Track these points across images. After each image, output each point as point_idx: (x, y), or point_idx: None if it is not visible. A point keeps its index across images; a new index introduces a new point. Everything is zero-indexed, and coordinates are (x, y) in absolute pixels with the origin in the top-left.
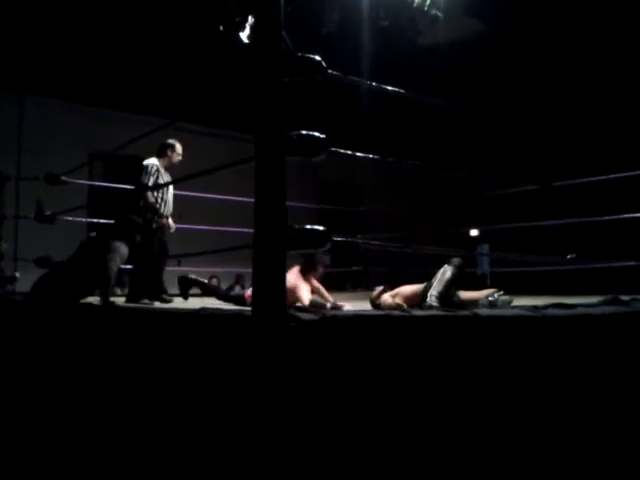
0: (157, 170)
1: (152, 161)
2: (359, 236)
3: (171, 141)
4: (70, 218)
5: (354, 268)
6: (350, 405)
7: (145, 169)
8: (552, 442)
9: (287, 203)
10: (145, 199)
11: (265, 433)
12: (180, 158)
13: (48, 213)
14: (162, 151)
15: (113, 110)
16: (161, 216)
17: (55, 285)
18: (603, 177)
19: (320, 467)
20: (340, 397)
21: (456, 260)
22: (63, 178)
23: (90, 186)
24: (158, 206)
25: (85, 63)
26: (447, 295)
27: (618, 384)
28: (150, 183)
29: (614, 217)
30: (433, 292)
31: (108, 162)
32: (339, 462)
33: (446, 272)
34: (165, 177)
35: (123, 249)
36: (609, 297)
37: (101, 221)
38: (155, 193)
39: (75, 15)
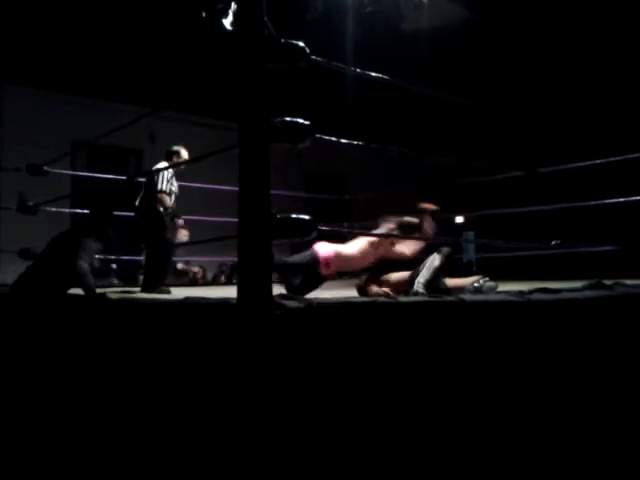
0: (172, 176)
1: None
2: (345, 224)
3: (177, 147)
4: (53, 209)
5: None
6: (337, 392)
7: (159, 174)
8: (539, 425)
9: (273, 192)
10: (163, 202)
11: (250, 420)
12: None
13: (31, 204)
14: (169, 156)
15: (96, 99)
16: (177, 216)
17: (34, 279)
18: (588, 163)
19: (308, 457)
20: (327, 384)
21: (445, 249)
22: (45, 168)
23: (73, 176)
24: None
25: (67, 52)
26: (434, 283)
27: (602, 366)
28: (165, 187)
29: (598, 202)
30: (420, 279)
31: (91, 152)
32: (327, 451)
33: (435, 260)
34: (174, 182)
35: (93, 245)
36: (593, 282)
37: (84, 212)
38: (172, 196)
39: (54, 3)
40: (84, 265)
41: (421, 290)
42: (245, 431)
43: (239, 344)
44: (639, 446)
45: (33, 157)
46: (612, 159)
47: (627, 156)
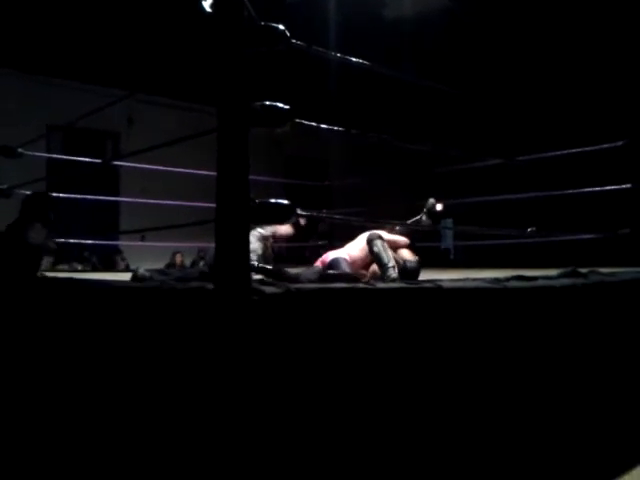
0: None
1: None
2: (324, 211)
3: None
4: (28, 192)
5: (320, 242)
6: (315, 378)
7: None
8: (515, 410)
9: (251, 177)
10: None
11: (226, 406)
12: None
13: (4, 187)
14: None
15: (72, 81)
16: None
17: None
18: (565, 152)
19: (285, 446)
20: (305, 370)
21: (371, 235)
22: (20, 150)
23: (48, 159)
24: None
25: (43, 33)
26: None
27: (576, 352)
28: None
29: (574, 191)
30: (390, 264)
31: (67, 134)
32: (306, 437)
33: (377, 247)
34: None
35: (40, 229)
36: (568, 269)
37: (61, 195)
38: None
39: None
40: (34, 240)
41: (394, 275)
42: (222, 418)
43: (216, 330)
44: (612, 428)
45: (7, 139)
46: (589, 148)
47: (603, 146)
